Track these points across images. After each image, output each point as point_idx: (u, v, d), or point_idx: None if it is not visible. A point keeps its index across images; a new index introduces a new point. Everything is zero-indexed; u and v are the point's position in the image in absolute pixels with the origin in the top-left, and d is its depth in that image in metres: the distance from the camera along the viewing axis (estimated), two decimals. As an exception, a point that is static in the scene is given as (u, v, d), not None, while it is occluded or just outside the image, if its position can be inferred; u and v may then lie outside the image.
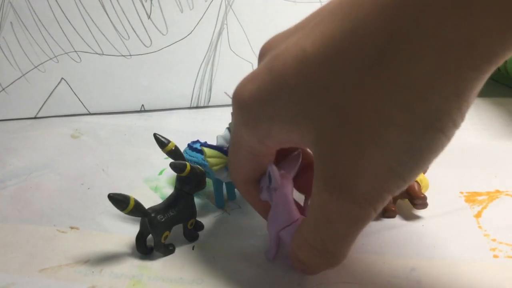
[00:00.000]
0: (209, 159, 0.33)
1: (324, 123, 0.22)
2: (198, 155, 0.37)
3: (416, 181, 0.35)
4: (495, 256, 0.31)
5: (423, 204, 0.34)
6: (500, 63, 0.20)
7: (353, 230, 0.24)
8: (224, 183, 0.37)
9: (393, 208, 0.35)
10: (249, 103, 0.25)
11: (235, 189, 0.38)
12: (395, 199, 0.35)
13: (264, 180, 0.29)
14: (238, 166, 0.30)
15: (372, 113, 0.21)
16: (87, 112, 0.54)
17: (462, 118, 0.22)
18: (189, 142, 0.39)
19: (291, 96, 0.23)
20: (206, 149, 0.33)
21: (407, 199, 0.35)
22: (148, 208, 0.31)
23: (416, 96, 0.20)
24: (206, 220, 0.35)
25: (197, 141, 0.39)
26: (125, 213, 0.30)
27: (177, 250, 0.32)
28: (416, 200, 0.34)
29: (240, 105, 0.26)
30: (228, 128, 0.36)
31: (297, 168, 0.30)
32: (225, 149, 0.34)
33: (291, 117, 0.24)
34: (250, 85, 0.26)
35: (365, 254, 0.32)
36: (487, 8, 0.18)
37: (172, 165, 0.31)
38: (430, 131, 0.21)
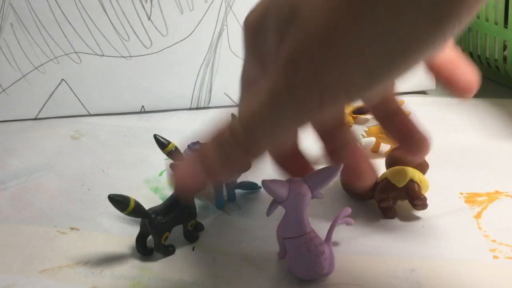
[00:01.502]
0: None
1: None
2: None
3: (416, 182, 0.34)
4: (495, 257, 0.31)
5: (423, 205, 0.34)
6: None
7: (299, 119, 0.22)
8: (224, 184, 0.37)
9: (393, 209, 0.35)
10: (250, 25, 0.25)
11: (235, 191, 0.38)
12: (395, 200, 0.35)
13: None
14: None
15: None
16: (87, 113, 0.54)
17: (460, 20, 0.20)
18: (189, 143, 0.39)
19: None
20: None
21: (407, 200, 0.35)
22: (148, 209, 0.31)
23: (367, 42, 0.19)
24: (206, 221, 0.35)
25: (197, 142, 0.39)
26: (125, 214, 0.30)
27: (177, 251, 0.33)
28: (416, 201, 0.34)
29: (244, 27, 0.26)
30: None
31: (330, 182, 0.29)
32: None
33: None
34: (256, 10, 0.25)
35: (364, 255, 0.32)
36: None
37: (172, 166, 0.31)
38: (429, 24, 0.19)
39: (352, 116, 0.39)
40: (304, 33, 0.21)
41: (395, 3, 0.18)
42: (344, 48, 0.20)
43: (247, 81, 0.28)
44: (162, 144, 0.32)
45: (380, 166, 0.38)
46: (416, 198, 0.34)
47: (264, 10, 0.25)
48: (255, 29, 0.25)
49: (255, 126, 0.22)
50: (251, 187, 0.38)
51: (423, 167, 0.36)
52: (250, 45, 0.26)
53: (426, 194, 0.34)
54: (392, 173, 0.35)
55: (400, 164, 0.35)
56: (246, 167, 0.24)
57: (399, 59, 0.20)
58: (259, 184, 0.38)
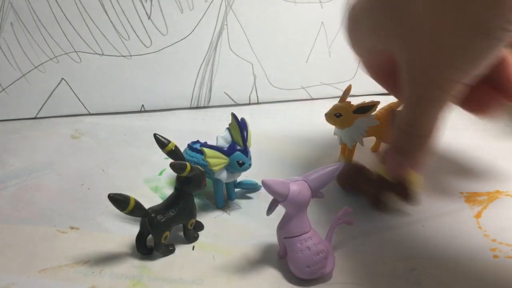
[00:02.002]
0: (209, 160, 0.33)
1: (407, 34, 0.28)
2: (198, 155, 0.37)
3: (407, 179, 0.35)
4: (495, 257, 0.31)
5: (414, 201, 0.35)
6: None
7: (434, 110, 0.29)
8: (224, 184, 0.37)
9: (383, 201, 0.36)
10: (358, 13, 0.30)
11: (235, 190, 0.38)
12: (387, 194, 0.36)
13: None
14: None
15: (432, 23, 0.26)
16: (87, 113, 0.54)
17: (509, 23, 0.25)
18: (189, 142, 0.39)
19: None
20: (206, 150, 0.33)
21: (399, 196, 0.36)
22: (148, 208, 0.31)
23: (456, 6, 0.25)
24: (206, 220, 0.35)
25: (197, 142, 0.39)
26: (125, 213, 0.30)
27: (177, 250, 0.33)
28: (408, 196, 0.35)
29: (351, 15, 0.31)
30: (228, 129, 0.36)
31: (330, 181, 0.29)
32: (225, 149, 0.34)
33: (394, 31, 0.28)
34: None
35: (365, 254, 0.32)
36: None
37: (172, 165, 0.31)
38: (477, 35, 0.25)
39: (354, 116, 0.39)
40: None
41: None
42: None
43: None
44: (162, 143, 0.32)
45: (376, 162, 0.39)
46: (408, 194, 0.35)
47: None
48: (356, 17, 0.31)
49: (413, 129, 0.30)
50: (251, 186, 0.38)
51: None
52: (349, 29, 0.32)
53: (426, 193, 0.34)
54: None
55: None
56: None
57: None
58: (259, 183, 0.38)
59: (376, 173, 0.36)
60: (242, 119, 0.35)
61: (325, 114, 0.40)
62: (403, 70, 0.29)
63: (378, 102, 0.39)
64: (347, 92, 0.41)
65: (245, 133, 0.35)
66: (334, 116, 0.39)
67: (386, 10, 0.28)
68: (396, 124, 0.31)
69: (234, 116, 0.35)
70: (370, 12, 0.29)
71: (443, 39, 0.26)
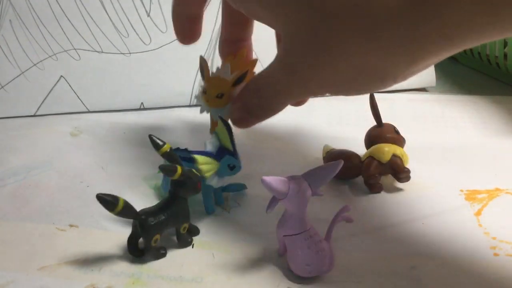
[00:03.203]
0: (201, 167, 0.33)
1: (303, 19, 0.26)
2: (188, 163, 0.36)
3: (398, 156, 0.37)
4: (495, 254, 0.31)
5: (407, 177, 0.37)
6: (460, 47, 0.24)
7: (287, 100, 0.31)
8: (212, 189, 0.36)
9: (379, 184, 0.37)
10: None
11: (223, 194, 0.37)
12: (380, 176, 0.37)
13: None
14: None
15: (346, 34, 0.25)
16: (86, 110, 0.54)
17: (403, 79, 0.27)
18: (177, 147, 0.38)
19: None
20: (198, 157, 0.33)
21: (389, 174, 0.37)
22: (140, 210, 0.31)
23: (379, 55, 0.25)
24: (205, 218, 0.35)
25: (177, 149, 0.37)
26: (115, 214, 0.29)
27: (176, 248, 0.32)
28: (401, 174, 0.37)
29: None
30: (215, 133, 0.35)
31: (330, 179, 0.29)
32: (214, 154, 0.34)
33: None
34: None
35: (365, 252, 0.32)
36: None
37: (161, 168, 0.30)
38: (375, 79, 0.27)
39: (232, 89, 0.37)
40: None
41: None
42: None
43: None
44: (157, 145, 0.32)
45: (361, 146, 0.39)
46: (400, 171, 0.37)
47: None
48: None
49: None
50: (238, 188, 0.38)
51: (400, 142, 0.39)
52: None
53: (427, 191, 0.35)
54: (375, 151, 0.37)
55: (379, 142, 0.38)
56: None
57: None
58: (246, 184, 0.38)
59: (365, 155, 0.38)
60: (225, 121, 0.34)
61: (202, 98, 0.37)
62: (285, 51, 0.29)
63: (254, 61, 0.39)
64: (205, 66, 0.38)
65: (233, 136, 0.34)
66: (216, 98, 0.36)
67: None
68: (251, 88, 0.32)
69: (221, 119, 0.34)
70: None
71: (343, 67, 0.26)
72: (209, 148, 0.35)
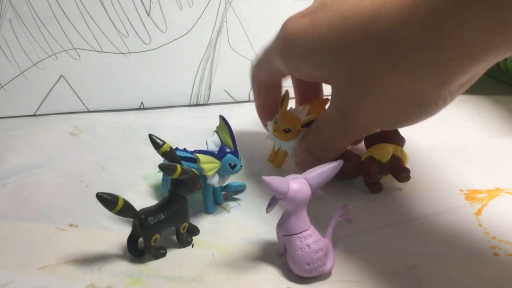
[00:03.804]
0: (203, 165, 0.33)
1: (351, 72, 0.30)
2: (189, 163, 0.36)
3: (399, 156, 0.37)
4: (495, 254, 0.31)
5: (407, 177, 0.37)
6: (485, 62, 0.25)
7: (352, 138, 0.35)
8: (211, 189, 0.36)
9: (380, 184, 0.37)
10: (293, 37, 0.33)
11: (222, 193, 0.37)
12: (380, 175, 0.37)
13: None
14: (258, 69, 0.40)
15: (381, 80, 0.28)
16: (86, 110, 0.54)
17: (443, 102, 0.29)
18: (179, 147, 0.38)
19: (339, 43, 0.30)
20: (200, 156, 0.33)
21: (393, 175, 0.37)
22: (140, 210, 0.31)
23: (409, 81, 0.27)
24: (206, 218, 0.35)
25: (177, 148, 0.37)
26: (114, 213, 0.29)
27: (176, 248, 0.32)
28: (401, 174, 0.37)
29: (285, 35, 0.33)
30: (216, 132, 0.35)
31: (330, 178, 0.29)
32: (215, 153, 0.34)
33: (331, 56, 0.30)
34: (304, 20, 0.32)
35: (364, 252, 0.32)
36: (479, 13, 0.22)
37: (161, 167, 0.30)
38: (414, 106, 0.29)
39: (301, 129, 0.38)
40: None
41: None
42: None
43: (269, 64, 0.38)
44: (157, 144, 0.32)
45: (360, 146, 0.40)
46: (401, 171, 0.37)
47: (310, 27, 0.32)
48: (298, 41, 0.33)
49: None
50: (238, 188, 0.38)
51: (400, 142, 0.39)
52: (286, 53, 0.34)
53: (427, 190, 0.35)
54: (375, 150, 0.37)
55: (378, 142, 0.38)
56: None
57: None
58: (246, 184, 0.38)
59: (365, 155, 0.38)
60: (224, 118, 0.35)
61: (273, 130, 0.39)
62: (335, 95, 0.33)
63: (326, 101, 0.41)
64: (286, 98, 0.40)
65: (233, 135, 0.34)
66: (283, 132, 0.38)
67: (333, 41, 0.30)
68: (313, 131, 0.36)
69: (222, 118, 0.35)
70: (315, 39, 0.31)
71: (383, 98, 0.29)
72: (211, 146, 0.35)
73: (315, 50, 0.31)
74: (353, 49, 0.29)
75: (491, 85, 0.59)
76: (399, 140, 0.39)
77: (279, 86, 0.41)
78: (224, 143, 0.35)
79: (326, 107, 0.39)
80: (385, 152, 0.37)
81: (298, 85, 0.42)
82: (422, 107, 0.29)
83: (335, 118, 0.33)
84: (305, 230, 0.29)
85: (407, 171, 0.37)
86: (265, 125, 0.41)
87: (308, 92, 0.42)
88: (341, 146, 0.36)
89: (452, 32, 0.23)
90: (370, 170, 0.37)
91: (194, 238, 0.33)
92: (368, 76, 0.28)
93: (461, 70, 0.26)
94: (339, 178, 0.37)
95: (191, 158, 0.35)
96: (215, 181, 0.34)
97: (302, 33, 0.32)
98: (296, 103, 0.42)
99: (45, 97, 0.53)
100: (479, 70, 0.26)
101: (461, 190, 0.38)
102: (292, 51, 0.33)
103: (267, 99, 0.41)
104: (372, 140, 0.39)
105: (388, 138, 0.38)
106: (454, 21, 0.23)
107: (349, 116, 0.32)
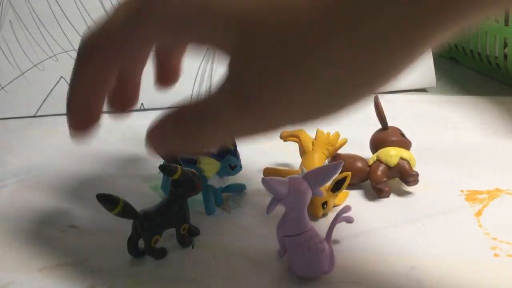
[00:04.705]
0: (203, 166, 0.33)
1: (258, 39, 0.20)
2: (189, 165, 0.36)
3: (406, 160, 0.37)
4: (496, 255, 0.31)
5: (415, 181, 0.36)
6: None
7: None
8: (211, 189, 0.36)
9: (387, 188, 0.37)
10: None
11: (222, 194, 0.37)
12: (388, 179, 0.37)
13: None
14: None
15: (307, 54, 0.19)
16: (87, 111, 0.54)
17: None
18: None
19: None
20: (200, 157, 0.33)
21: (397, 178, 0.37)
22: (140, 211, 0.31)
23: (365, 49, 0.19)
24: (205, 219, 0.35)
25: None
26: (114, 214, 0.29)
27: (176, 249, 0.32)
28: (409, 177, 0.36)
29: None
30: None
31: (330, 179, 0.29)
32: (215, 154, 0.34)
33: (224, 11, 0.21)
34: None
35: (365, 253, 0.32)
36: None
37: (161, 168, 0.30)
38: (358, 81, 0.20)
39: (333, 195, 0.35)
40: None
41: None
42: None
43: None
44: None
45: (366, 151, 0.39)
46: (408, 175, 0.36)
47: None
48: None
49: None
50: (238, 189, 0.38)
51: (407, 145, 0.38)
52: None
53: (427, 191, 0.35)
54: (382, 154, 0.37)
55: (384, 146, 0.38)
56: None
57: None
58: (246, 184, 0.38)
59: (372, 159, 0.38)
60: None
61: (315, 213, 0.34)
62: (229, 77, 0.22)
63: (348, 174, 0.34)
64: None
65: None
66: (321, 206, 0.34)
67: None
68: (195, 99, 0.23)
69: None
70: None
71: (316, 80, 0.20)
72: None
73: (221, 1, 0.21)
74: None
75: (491, 85, 0.59)
76: (406, 144, 0.38)
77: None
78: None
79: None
80: (392, 156, 0.37)
81: (161, 55, 0.30)
82: (364, 82, 0.20)
83: (227, 105, 0.22)
84: (306, 231, 0.29)
85: (415, 175, 0.36)
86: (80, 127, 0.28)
87: (170, 64, 0.31)
88: (214, 145, 0.25)
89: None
90: (378, 175, 0.36)
91: (194, 239, 0.33)
92: (303, 41, 0.19)
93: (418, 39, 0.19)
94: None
95: (191, 159, 0.35)
96: (215, 181, 0.34)
97: None
98: (157, 81, 0.31)
99: (46, 98, 0.53)
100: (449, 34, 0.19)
101: (461, 191, 0.38)
102: (182, 5, 0.22)
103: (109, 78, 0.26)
104: (378, 144, 0.38)
105: (394, 142, 0.38)
106: None
107: (251, 104, 0.21)
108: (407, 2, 0.18)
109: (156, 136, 0.25)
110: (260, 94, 0.21)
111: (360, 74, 0.20)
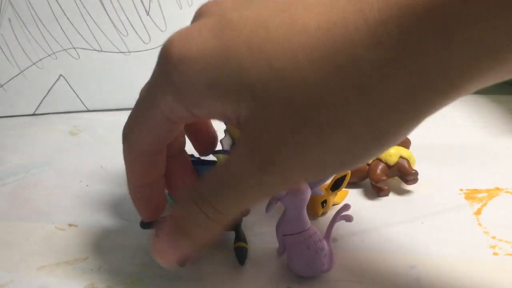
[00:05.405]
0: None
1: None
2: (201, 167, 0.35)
3: (406, 158, 0.37)
4: (495, 254, 0.31)
5: (415, 180, 0.36)
6: (465, 91, 0.22)
7: (252, 199, 0.24)
8: None
9: (386, 187, 0.37)
10: (190, 62, 0.23)
11: None
12: (387, 177, 0.37)
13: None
14: (138, 131, 0.27)
15: (330, 112, 0.20)
16: (86, 109, 0.54)
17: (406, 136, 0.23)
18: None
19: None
20: (220, 156, 0.33)
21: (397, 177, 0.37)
22: None
23: (379, 114, 0.20)
24: (205, 218, 0.35)
25: (192, 156, 0.36)
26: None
27: (176, 247, 0.32)
28: (408, 176, 0.36)
29: (176, 62, 0.24)
30: (227, 130, 0.35)
31: (329, 178, 0.29)
32: (229, 152, 0.34)
33: (235, 86, 0.21)
34: (202, 38, 0.23)
35: (364, 251, 0.32)
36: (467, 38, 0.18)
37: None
38: (373, 143, 0.21)
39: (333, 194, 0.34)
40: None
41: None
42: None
43: (155, 110, 0.27)
44: None
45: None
46: (407, 174, 0.36)
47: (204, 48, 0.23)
48: (191, 67, 0.23)
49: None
50: None
51: (406, 143, 0.39)
52: (177, 85, 0.24)
53: (426, 190, 0.35)
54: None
55: None
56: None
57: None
58: None
59: (371, 160, 0.37)
60: None
61: (315, 211, 0.34)
62: (245, 147, 0.22)
63: (348, 172, 0.34)
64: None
65: None
66: (321, 205, 0.34)
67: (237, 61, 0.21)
68: (194, 199, 0.23)
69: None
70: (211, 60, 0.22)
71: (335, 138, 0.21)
72: (226, 146, 0.34)
73: (231, 76, 0.21)
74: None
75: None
76: (405, 142, 0.39)
77: (164, 152, 0.28)
78: (236, 141, 0.35)
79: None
80: (391, 154, 0.37)
81: (194, 131, 0.31)
82: (381, 143, 0.22)
83: (248, 169, 0.22)
84: (305, 230, 0.29)
85: (414, 173, 0.36)
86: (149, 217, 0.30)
87: (205, 137, 0.32)
88: (235, 213, 0.24)
89: (435, 58, 0.19)
90: (377, 173, 0.37)
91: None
92: (316, 108, 0.20)
93: (439, 101, 0.21)
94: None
95: (209, 161, 0.34)
96: None
97: (205, 54, 0.22)
98: (199, 152, 0.32)
99: (45, 97, 0.53)
100: (449, 102, 0.22)
101: (461, 190, 0.38)
102: (191, 81, 0.23)
103: (152, 175, 0.28)
104: None
105: None
106: (437, 46, 0.19)
107: (271, 166, 0.21)
108: (416, 85, 0.20)
109: (162, 248, 0.25)
110: (280, 156, 0.21)
111: (371, 138, 0.21)
